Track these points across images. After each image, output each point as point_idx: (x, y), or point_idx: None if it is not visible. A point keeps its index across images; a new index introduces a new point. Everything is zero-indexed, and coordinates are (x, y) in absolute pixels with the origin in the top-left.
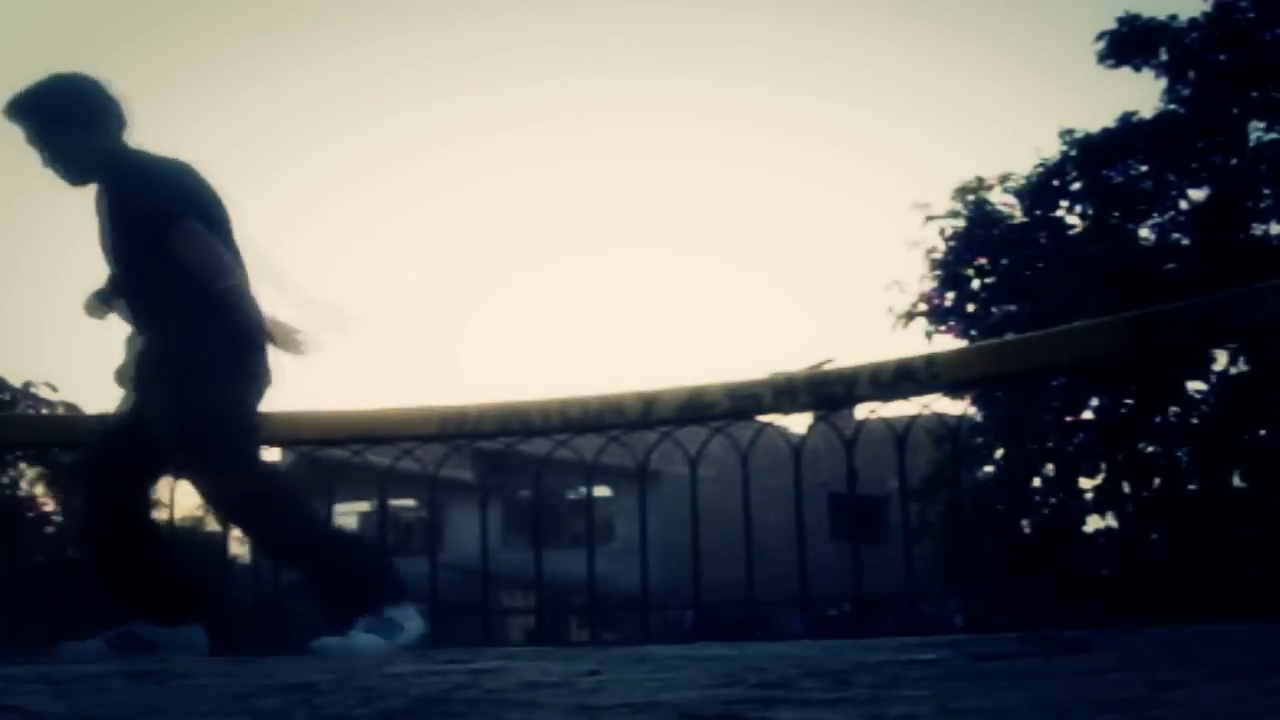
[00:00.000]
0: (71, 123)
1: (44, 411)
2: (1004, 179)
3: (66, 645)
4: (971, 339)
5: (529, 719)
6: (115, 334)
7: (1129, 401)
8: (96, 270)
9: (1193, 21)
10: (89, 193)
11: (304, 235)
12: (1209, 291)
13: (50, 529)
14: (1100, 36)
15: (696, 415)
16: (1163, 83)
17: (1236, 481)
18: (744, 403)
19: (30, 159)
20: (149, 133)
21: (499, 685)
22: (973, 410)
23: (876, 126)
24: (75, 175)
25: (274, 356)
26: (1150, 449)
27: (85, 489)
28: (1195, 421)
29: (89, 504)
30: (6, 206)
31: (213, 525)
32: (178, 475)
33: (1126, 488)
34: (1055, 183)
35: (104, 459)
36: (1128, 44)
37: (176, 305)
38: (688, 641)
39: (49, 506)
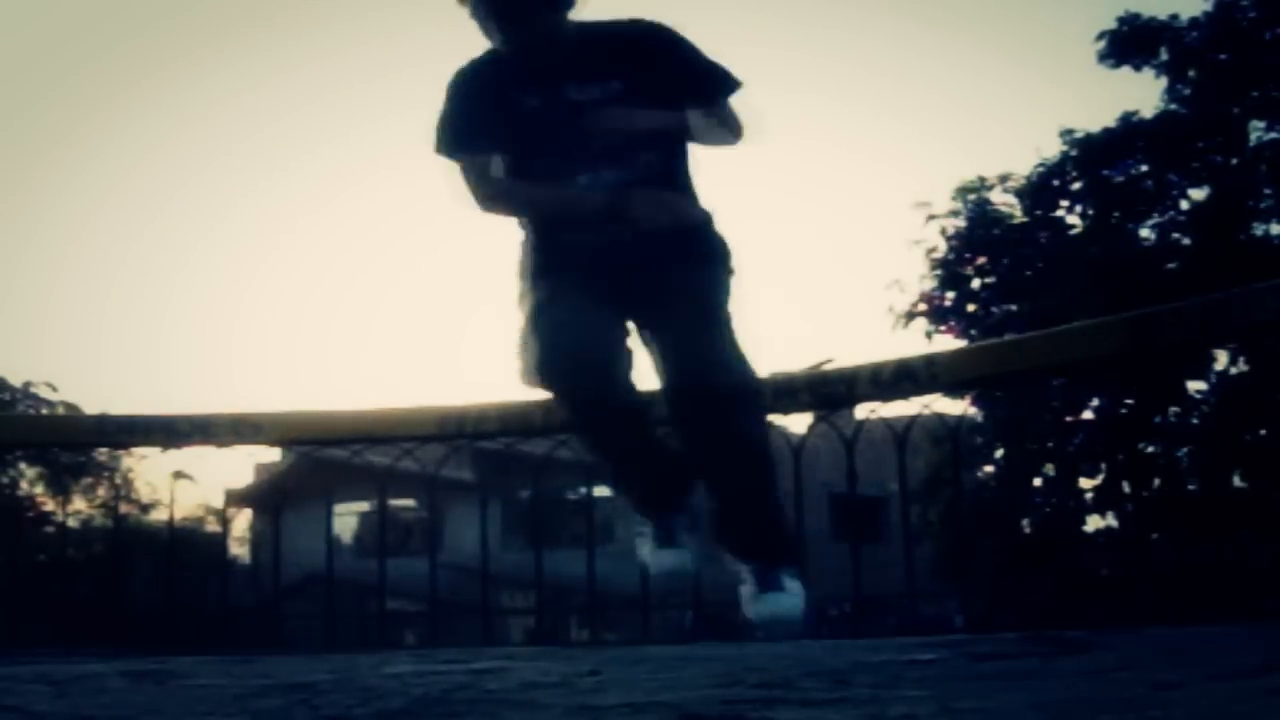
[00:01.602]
0: None
1: (44, 411)
2: (1004, 179)
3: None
4: (971, 339)
5: (529, 719)
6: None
7: (1129, 401)
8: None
9: (1193, 21)
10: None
11: (307, 233)
12: (1209, 291)
13: (50, 529)
14: (1100, 36)
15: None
16: (1163, 82)
17: (1236, 482)
18: None
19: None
20: (149, 129)
21: (499, 685)
22: (973, 410)
23: (876, 126)
24: (522, 42)
25: None
26: (1150, 449)
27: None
28: (1195, 421)
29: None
30: (6, 206)
31: (213, 525)
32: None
33: (1126, 488)
34: (1055, 182)
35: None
36: (1128, 43)
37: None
38: (688, 641)
39: (49, 506)
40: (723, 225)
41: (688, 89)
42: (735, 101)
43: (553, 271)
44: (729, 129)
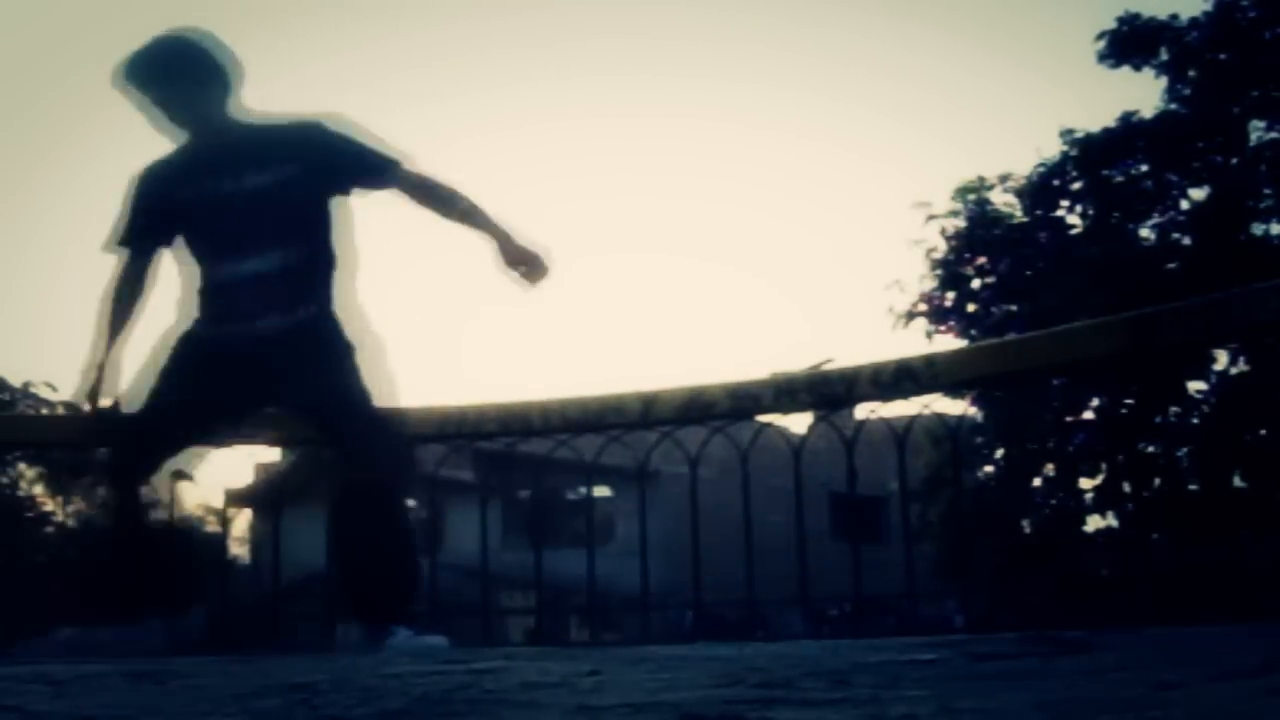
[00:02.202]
0: (198, 82)
1: (44, 411)
2: (1004, 179)
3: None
4: (971, 339)
5: (529, 719)
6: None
7: (1129, 401)
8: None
9: (1193, 21)
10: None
11: None
12: (1209, 291)
13: (50, 529)
14: (1100, 36)
15: (696, 415)
16: (1163, 82)
17: (1237, 482)
18: (744, 403)
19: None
20: (150, 129)
21: (499, 685)
22: (973, 410)
23: (876, 126)
24: (196, 133)
25: None
26: (1150, 449)
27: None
28: (1195, 421)
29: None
30: (6, 206)
31: (213, 525)
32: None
33: (1127, 488)
34: (1055, 182)
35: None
36: (1128, 43)
37: (330, 273)
38: (688, 641)
39: (49, 506)
40: (351, 315)
41: (354, 174)
42: (410, 170)
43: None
44: (429, 193)
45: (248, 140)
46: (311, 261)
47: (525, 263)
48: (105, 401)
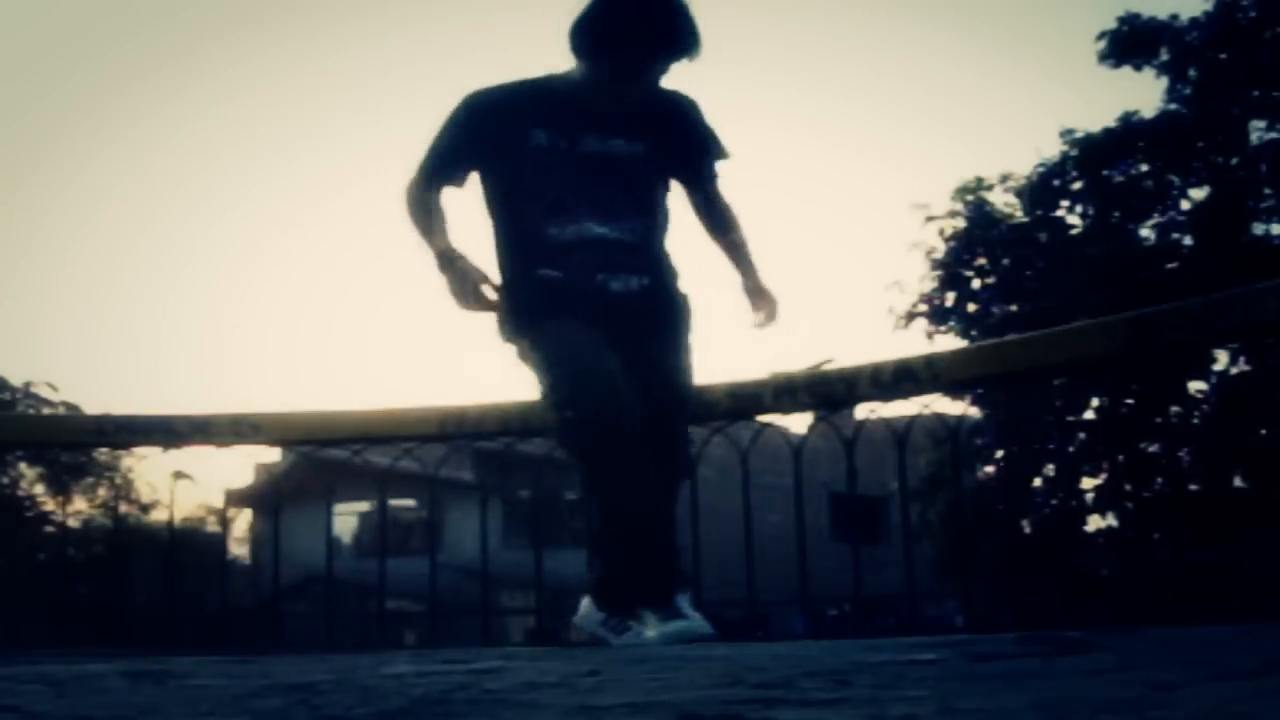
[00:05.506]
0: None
1: (44, 411)
2: (1004, 179)
3: None
4: (971, 339)
5: (529, 719)
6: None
7: (1129, 401)
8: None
9: (1194, 21)
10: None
11: (306, 234)
12: (1209, 291)
13: (50, 529)
14: (1101, 36)
15: (697, 415)
16: (1164, 82)
17: (1237, 482)
18: (744, 403)
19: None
20: (149, 130)
21: (499, 685)
22: (973, 410)
23: (876, 126)
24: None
25: None
26: (1151, 449)
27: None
28: (1196, 421)
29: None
30: (7, 206)
31: (213, 525)
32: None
33: (1127, 488)
34: (1055, 182)
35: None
36: (1128, 43)
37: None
38: (688, 642)
39: (49, 506)
40: (685, 288)
41: (696, 159)
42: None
43: (554, 311)
44: (722, 207)
45: (614, 103)
46: (631, 239)
47: (767, 305)
48: (489, 292)
